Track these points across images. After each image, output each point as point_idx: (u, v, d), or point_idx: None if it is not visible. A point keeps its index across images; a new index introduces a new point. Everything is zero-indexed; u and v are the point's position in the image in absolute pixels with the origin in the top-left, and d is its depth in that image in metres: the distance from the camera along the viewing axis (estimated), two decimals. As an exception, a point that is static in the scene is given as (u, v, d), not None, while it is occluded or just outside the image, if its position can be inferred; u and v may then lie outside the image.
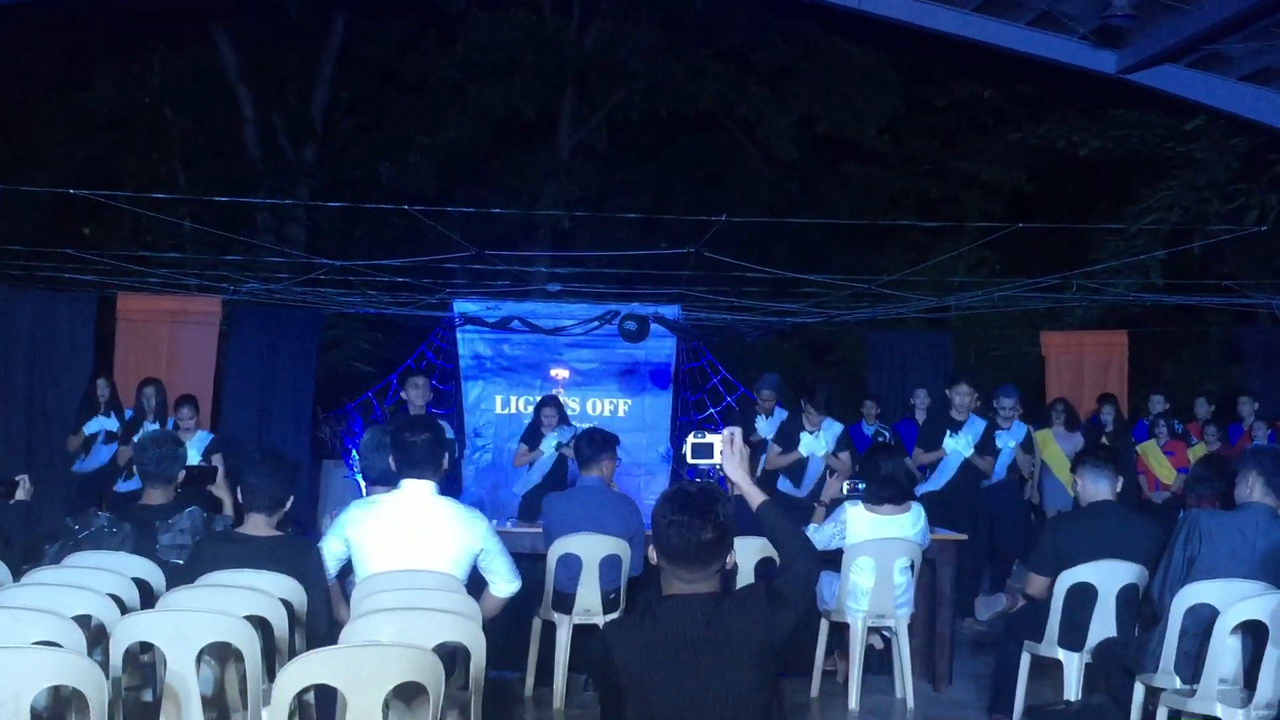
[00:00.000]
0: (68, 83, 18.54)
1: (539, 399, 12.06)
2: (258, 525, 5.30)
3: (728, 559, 3.64)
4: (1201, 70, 8.46)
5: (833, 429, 10.24)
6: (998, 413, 10.84)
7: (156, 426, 10.08)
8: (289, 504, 5.41)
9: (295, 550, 5.27)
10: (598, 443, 7.45)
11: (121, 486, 10.18)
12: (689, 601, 3.56)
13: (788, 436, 10.35)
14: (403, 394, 10.48)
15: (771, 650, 3.56)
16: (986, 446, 10.35)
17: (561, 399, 12.31)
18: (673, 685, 3.45)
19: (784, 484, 10.15)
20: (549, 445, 10.94)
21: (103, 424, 10.86)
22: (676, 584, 3.59)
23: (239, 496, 5.42)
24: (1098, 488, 6.40)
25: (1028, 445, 11.28)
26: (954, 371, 11.41)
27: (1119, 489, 6.47)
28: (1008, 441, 10.75)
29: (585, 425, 10.47)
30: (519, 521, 9.08)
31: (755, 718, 3.52)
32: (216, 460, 8.82)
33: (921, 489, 10.14)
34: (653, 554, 3.68)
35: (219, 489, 6.37)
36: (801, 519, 7.49)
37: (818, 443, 10.12)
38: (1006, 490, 10.77)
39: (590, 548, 7.13)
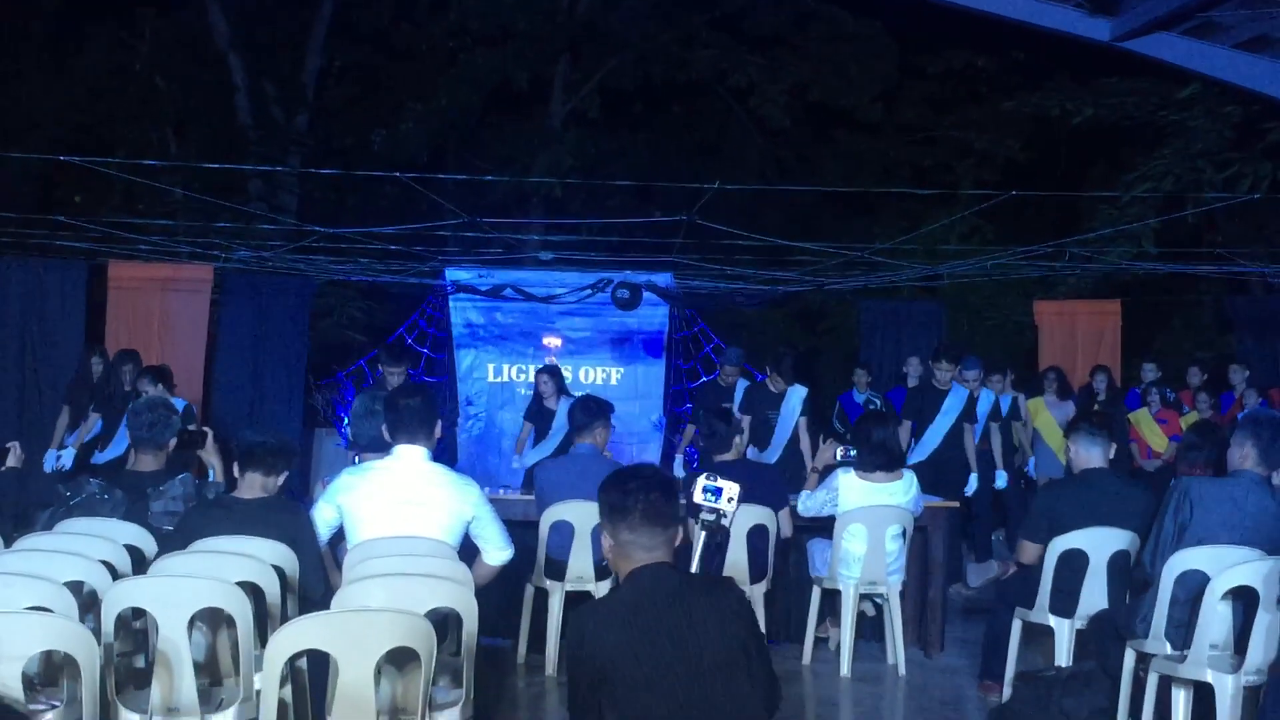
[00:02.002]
0: (58, 50, 18.43)
1: (537, 369, 11.85)
2: (252, 487, 5.30)
3: (678, 534, 3.76)
4: (1195, 38, 8.43)
5: (799, 393, 10.24)
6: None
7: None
8: (282, 477, 5.41)
9: (284, 512, 5.27)
10: (592, 410, 7.44)
11: (98, 458, 10.12)
12: (654, 570, 3.66)
13: (752, 405, 10.34)
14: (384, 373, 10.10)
15: (741, 643, 3.59)
16: (969, 416, 10.36)
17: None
18: (650, 655, 3.49)
19: (751, 451, 10.08)
20: (562, 416, 10.73)
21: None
22: (639, 555, 3.68)
23: (234, 462, 5.42)
24: (1090, 455, 6.40)
25: (1010, 413, 11.32)
26: (938, 345, 11.36)
27: (1112, 456, 6.48)
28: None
29: (579, 394, 10.42)
30: (522, 491, 9.04)
31: (735, 679, 3.56)
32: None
33: (909, 459, 10.18)
34: (607, 545, 3.81)
35: (209, 454, 6.36)
36: (772, 484, 7.50)
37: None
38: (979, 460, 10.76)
39: (583, 515, 7.12)
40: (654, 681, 3.47)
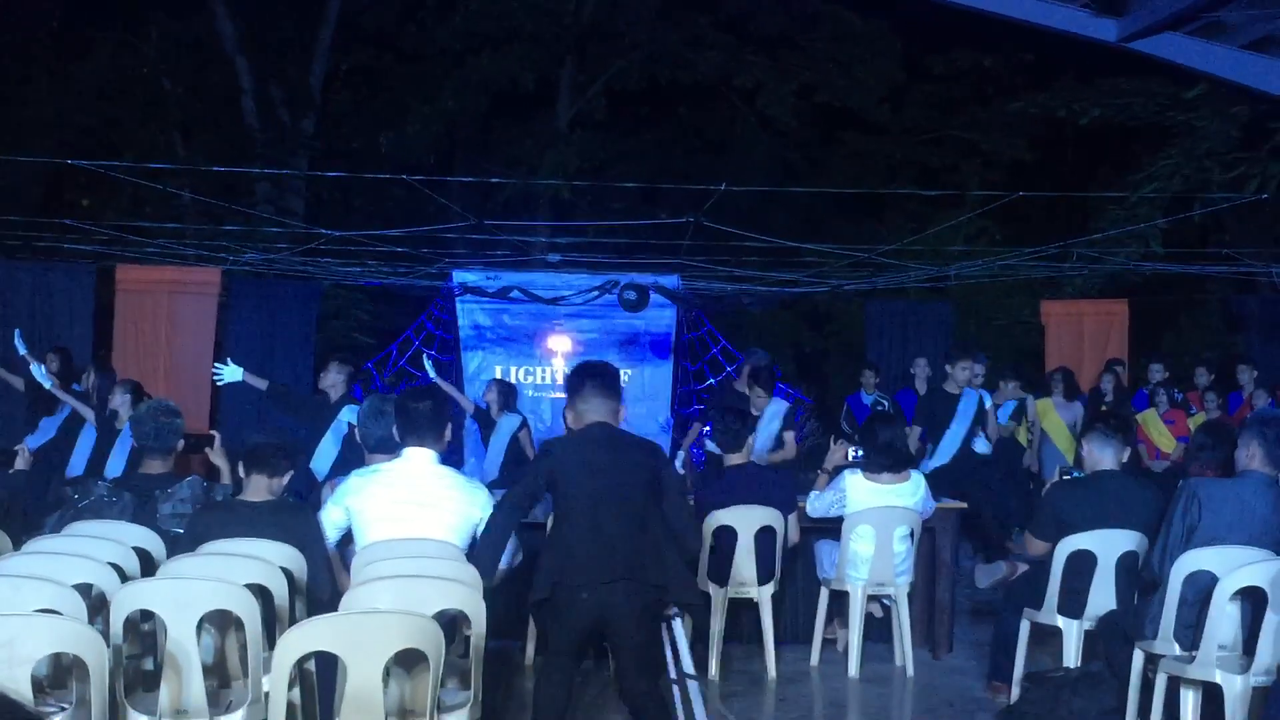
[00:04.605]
0: (65, 54, 18.47)
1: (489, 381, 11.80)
2: (258, 489, 5.31)
3: (620, 409, 5.34)
4: (1202, 38, 8.40)
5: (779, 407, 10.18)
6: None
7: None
8: (287, 476, 5.42)
9: (291, 514, 5.29)
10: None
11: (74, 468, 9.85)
12: (601, 424, 5.22)
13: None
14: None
15: (655, 475, 5.17)
16: (984, 419, 10.32)
17: (561, 368, 12.23)
18: (586, 467, 5.08)
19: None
20: (505, 429, 10.62)
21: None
22: (591, 417, 5.22)
23: (239, 465, 5.43)
24: (1103, 456, 6.38)
25: (1015, 414, 11.31)
26: (950, 346, 11.33)
27: (1125, 459, 6.46)
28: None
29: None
30: None
31: (648, 503, 5.08)
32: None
33: (927, 465, 10.16)
34: (570, 416, 5.35)
35: (216, 456, 6.37)
36: (781, 488, 7.51)
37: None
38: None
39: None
40: (584, 484, 5.06)
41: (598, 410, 5.23)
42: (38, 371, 9.82)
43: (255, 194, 17.37)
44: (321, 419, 9.10)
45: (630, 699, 5.15)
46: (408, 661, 4.45)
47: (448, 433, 5.48)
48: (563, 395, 11.25)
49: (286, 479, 5.44)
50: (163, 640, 4.51)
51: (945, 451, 10.18)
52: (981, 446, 10.58)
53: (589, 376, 5.30)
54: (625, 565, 4.96)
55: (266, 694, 4.28)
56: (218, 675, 4.88)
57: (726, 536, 7.23)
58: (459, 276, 13.74)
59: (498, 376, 13.57)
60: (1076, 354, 13.95)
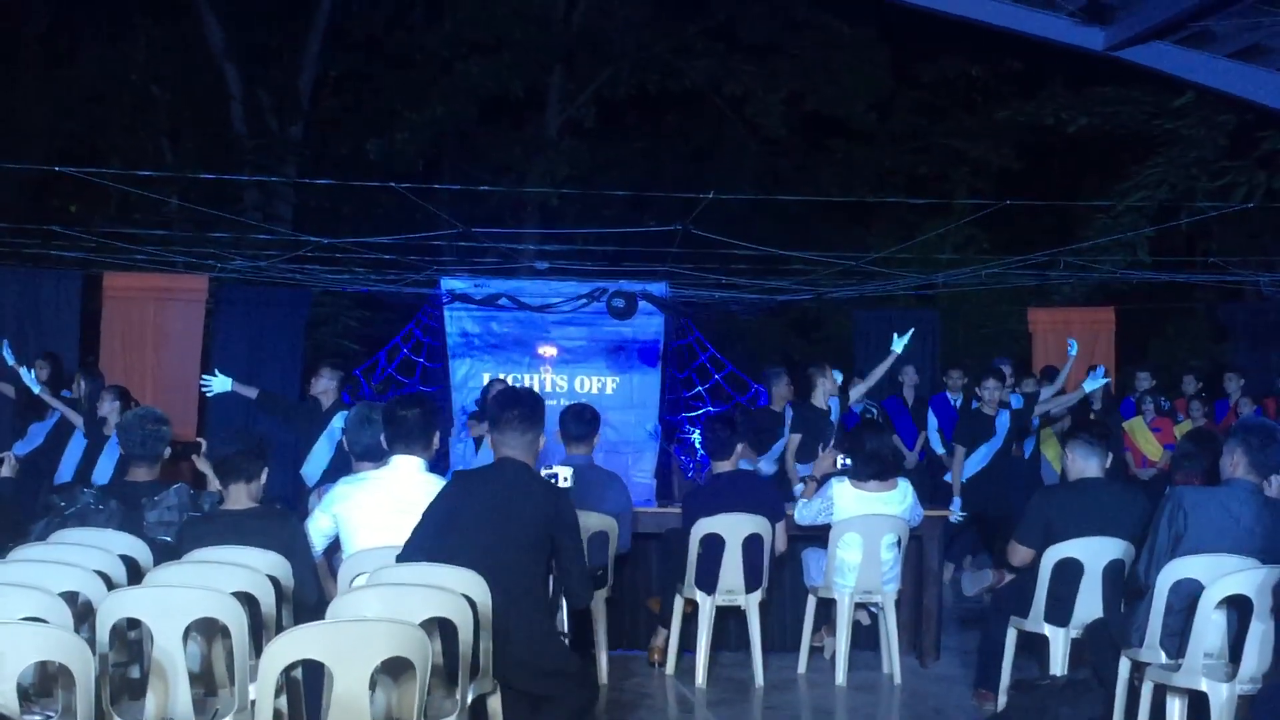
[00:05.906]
0: (53, 59, 18.44)
1: (487, 382, 11.90)
2: (238, 497, 5.31)
3: (537, 440, 5.28)
4: (1190, 47, 8.44)
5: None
6: (946, 385, 10.97)
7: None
8: (264, 475, 5.41)
9: (276, 522, 5.29)
10: (587, 420, 7.38)
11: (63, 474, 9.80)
12: (511, 461, 5.18)
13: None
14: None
15: (546, 531, 5.10)
16: (1021, 431, 10.58)
17: (549, 376, 12.25)
18: (482, 508, 5.03)
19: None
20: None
21: None
22: (505, 451, 5.19)
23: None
24: (1087, 464, 6.42)
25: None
26: (991, 366, 11.31)
27: (1108, 465, 6.49)
28: None
29: (570, 403, 10.37)
30: None
31: (534, 551, 5.09)
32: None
33: (967, 470, 10.23)
34: (491, 440, 5.30)
35: (203, 463, 6.36)
36: (768, 496, 7.54)
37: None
38: None
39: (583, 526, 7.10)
40: (469, 537, 4.94)
41: (512, 444, 5.17)
42: (28, 377, 9.82)
43: (243, 201, 17.33)
44: (314, 425, 9.14)
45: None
46: (394, 669, 4.44)
47: (436, 441, 5.50)
48: (551, 403, 11.29)
49: (264, 478, 5.43)
50: (149, 648, 4.50)
51: (975, 464, 10.27)
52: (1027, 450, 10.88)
53: (508, 407, 5.23)
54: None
55: (253, 702, 4.26)
56: (204, 683, 4.87)
57: (714, 544, 7.23)
58: (447, 284, 13.73)
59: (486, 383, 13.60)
60: (1063, 361, 13.92)
